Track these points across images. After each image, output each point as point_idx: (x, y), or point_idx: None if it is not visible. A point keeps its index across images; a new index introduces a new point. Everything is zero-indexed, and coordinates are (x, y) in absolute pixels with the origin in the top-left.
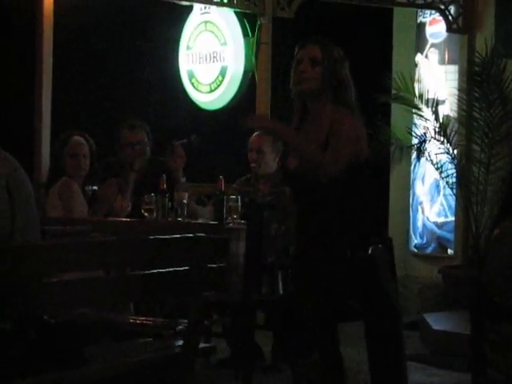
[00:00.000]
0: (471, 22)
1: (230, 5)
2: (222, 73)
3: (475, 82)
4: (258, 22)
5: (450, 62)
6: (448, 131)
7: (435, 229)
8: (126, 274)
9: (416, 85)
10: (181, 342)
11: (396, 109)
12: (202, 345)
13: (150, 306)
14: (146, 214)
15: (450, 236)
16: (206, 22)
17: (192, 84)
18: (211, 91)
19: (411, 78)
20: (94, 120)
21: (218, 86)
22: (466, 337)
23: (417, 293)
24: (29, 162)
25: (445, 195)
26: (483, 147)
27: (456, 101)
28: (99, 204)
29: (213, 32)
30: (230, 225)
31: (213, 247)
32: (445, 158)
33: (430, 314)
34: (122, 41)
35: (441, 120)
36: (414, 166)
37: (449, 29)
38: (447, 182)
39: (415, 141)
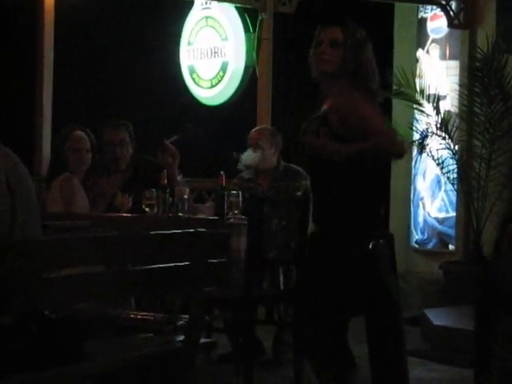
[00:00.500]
0: (472, 18)
1: (230, 0)
2: (223, 68)
3: (476, 78)
4: (259, 18)
5: (451, 57)
6: (449, 127)
7: (436, 224)
8: (126, 269)
9: (417, 80)
10: (182, 337)
11: (397, 104)
12: (203, 340)
13: (151, 301)
14: (146, 210)
15: (451, 231)
16: (207, 18)
17: (193, 79)
18: (212, 87)
19: (412, 74)
20: (94, 115)
21: (219, 81)
22: (467, 332)
23: (417, 288)
24: (29, 157)
25: (446, 191)
26: (484, 143)
27: (457, 96)
28: (99, 200)
29: (214, 27)
30: (231, 220)
31: (214, 242)
32: (446, 153)
33: (431, 310)
34: (122, 36)
35: (442, 115)
36: (415, 161)
37: (450, 24)
38: (448, 178)
39: (416, 136)
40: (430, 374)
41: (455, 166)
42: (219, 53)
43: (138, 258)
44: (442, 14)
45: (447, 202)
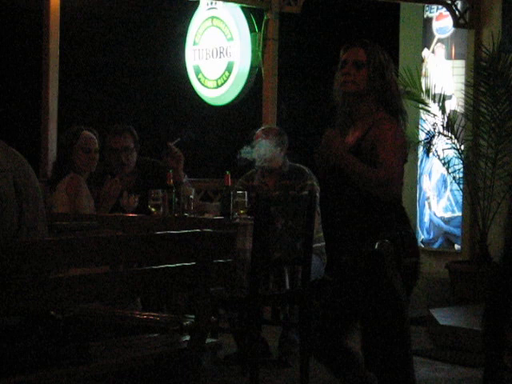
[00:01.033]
0: (478, 17)
1: (236, 0)
2: (229, 68)
3: (482, 77)
4: (265, 18)
5: (457, 56)
6: (455, 127)
7: (442, 224)
8: (133, 269)
9: (423, 80)
10: (188, 338)
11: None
12: (208, 340)
13: (157, 301)
14: (152, 210)
15: (457, 231)
16: (212, 18)
17: (198, 80)
18: (218, 87)
19: (418, 73)
20: (100, 115)
21: (225, 81)
22: (473, 332)
23: (423, 288)
24: (35, 158)
25: (452, 190)
26: (490, 142)
27: (463, 96)
28: (103, 201)
29: (219, 27)
30: (237, 220)
31: (219, 243)
32: (452, 153)
33: (437, 309)
34: (128, 36)
35: (448, 115)
36: (421, 161)
37: (456, 24)
38: (454, 178)
39: (422, 136)
40: (436, 373)
41: (461, 165)
42: (225, 53)
43: (144, 258)
44: (447, 13)
45: (453, 202)
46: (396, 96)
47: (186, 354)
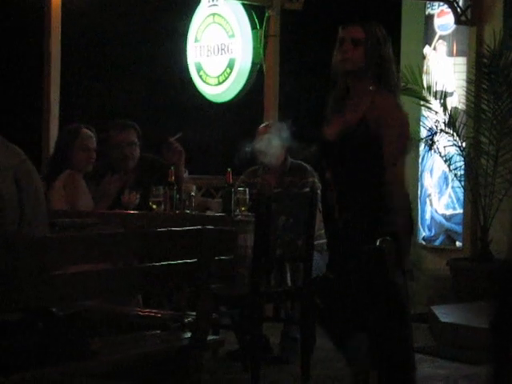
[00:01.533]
0: (479, 14)
1: None
2: (230, 65)
3: (483, 74)
4: (266, 14)
5: (459, 53)
6: (457, 124)
7: (443, 221)
8: (133, 266)
9: (424, 77)
10: (189, 335)
11: (404, 101)
12: (210, 337)
13: (158, 298)
14: (154, 207)
15: (459, 228)
16: (213, 15)
17: (200, 76)
18: (219, 84)
19: (419, 70)
20: (101, 113)
21: (226, 78)
22: (475, 329)
23: (425, 285)
24: (36, 155)
25: (453, 187)
26: (491, 139)
27: (464, 93)
28: (102, 199)
29: (221, 24)
30: (239, 217)
31: (221, 239)
32: (453, 150)
33: (438, 307)
34: (129, 34)
35: (449, 112)
36: (423, 158)
37: (457, 21)
38: (455, 175)
39: (423, 132)
40: (437, 370)
41: (462, 162)
42: (226, 50)
43: (146, 255)
44: (449, 10)
45: (454, 199)
46: (392, 74)
47: (187, 351)
